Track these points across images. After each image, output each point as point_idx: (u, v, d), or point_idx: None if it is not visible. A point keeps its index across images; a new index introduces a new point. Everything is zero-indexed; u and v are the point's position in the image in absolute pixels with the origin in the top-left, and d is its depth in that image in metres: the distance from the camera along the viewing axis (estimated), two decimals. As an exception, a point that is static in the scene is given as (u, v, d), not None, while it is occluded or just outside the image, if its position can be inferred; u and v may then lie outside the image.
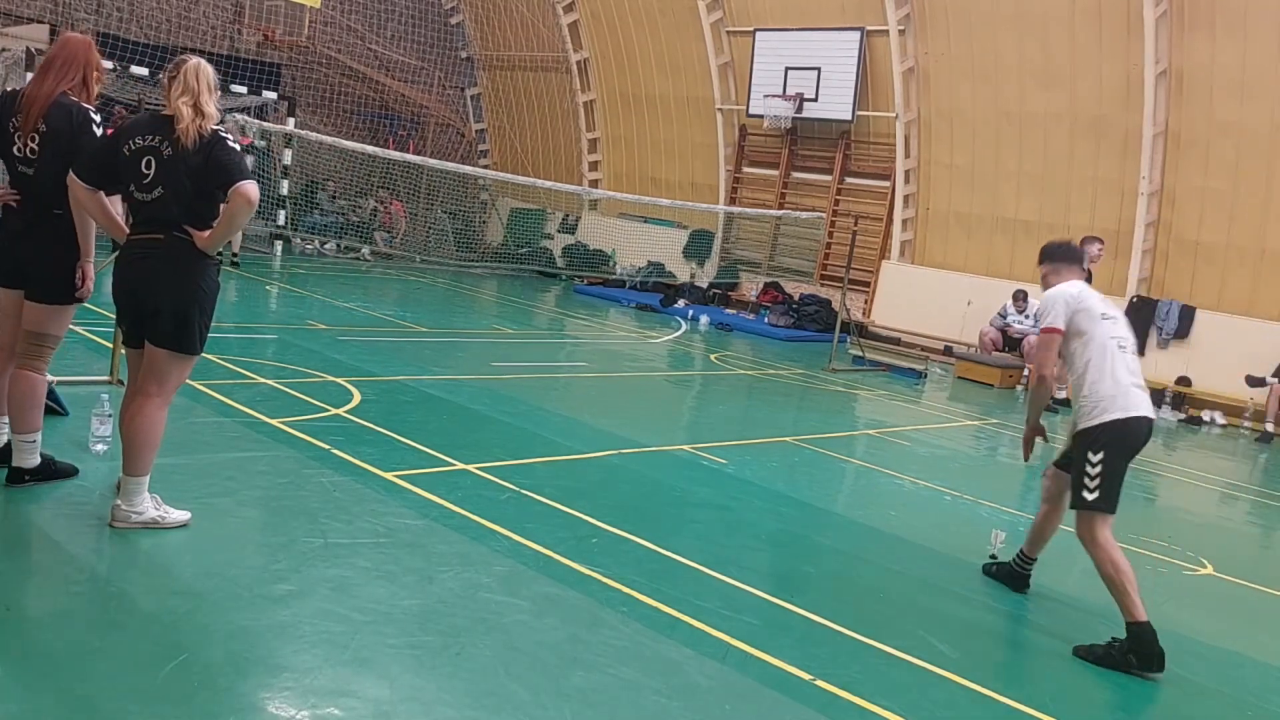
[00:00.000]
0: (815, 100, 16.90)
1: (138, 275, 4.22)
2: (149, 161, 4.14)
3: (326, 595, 3.88)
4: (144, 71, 15.62)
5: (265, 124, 15.70)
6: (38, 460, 4.64)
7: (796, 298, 17.47)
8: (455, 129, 22.46)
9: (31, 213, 4.54)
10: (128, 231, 4.31)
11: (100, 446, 5.16)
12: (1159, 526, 7.34)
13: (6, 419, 4.81)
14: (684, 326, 15.43)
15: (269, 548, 4.31)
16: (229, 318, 9.72)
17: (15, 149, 4.51)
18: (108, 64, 15.49)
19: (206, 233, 4.19)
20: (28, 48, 15.32)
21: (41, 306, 4.56)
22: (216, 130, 4.16)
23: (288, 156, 16.61)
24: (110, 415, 5.18)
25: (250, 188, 4.07)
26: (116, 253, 4.40)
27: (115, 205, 4.42)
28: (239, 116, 13.77)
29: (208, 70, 4.22)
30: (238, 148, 4.20)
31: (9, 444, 4.75)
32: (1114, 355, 4.72)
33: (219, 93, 4.29)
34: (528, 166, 21.83)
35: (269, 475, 5.24)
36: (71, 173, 4.31)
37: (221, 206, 4.20)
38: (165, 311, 4.17)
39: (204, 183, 4.13)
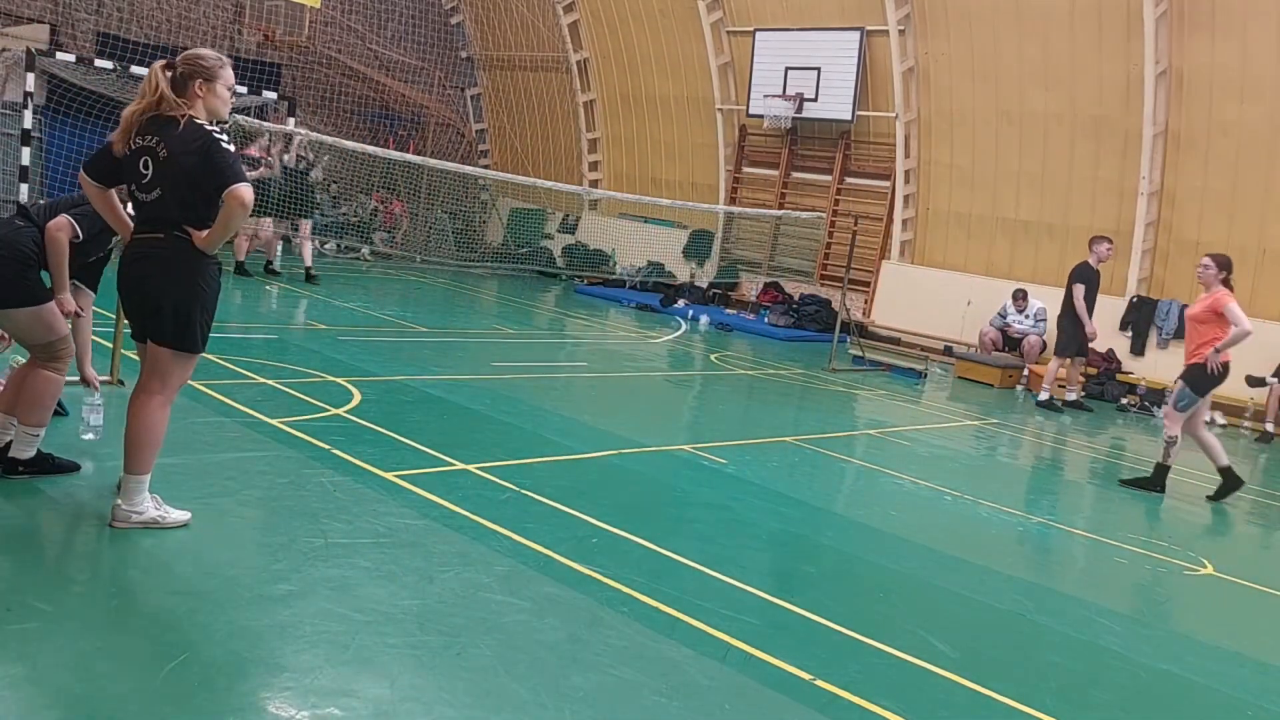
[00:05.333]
0: (815, 100, 16.88)
1: (139, 274, 4.24)
2: (146, 161, 4.16)
3: (327, 595, 3.88)
4: (144, 71, 15.60)
5: (265, 124, 15.69)
6: (33, 454, 4.67)
7: (796, 298, 17.47)
8: (455, 129, 22.45)
9: None
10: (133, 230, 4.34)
11: (89, 435, 5.14)
12: (1159, 526, 7.34)
13: (14, 418, 4.82)
14: (684, 326, 15.43)
15: (269, 548, 4.32)
16: (229, 318, 9.72)
17: None
18: (107, 64, 15.51)
19: (205, 233, 4.20)
20: (28, 48, 15.32)
21: (5, 313, 4.61)
22: (211, 131, 4.16)
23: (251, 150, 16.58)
24: (100, 405, 5.17)
25: (243, 190, 4.08)
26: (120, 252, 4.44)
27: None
28: (255, 123, 13.86)
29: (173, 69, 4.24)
30: (232, 149, 4.19)
31: (8, 444, 4.76)
32: None
33: (214, 84, 4.27)
34: (528, 166, 21.83)
35: (269, 475, 5.24)
36: (82, 170, 4.35)
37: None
38: (166, 310, 4.19)
39: (200, 184, 4.14)
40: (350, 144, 14.68)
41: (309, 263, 13.82)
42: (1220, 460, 8.16)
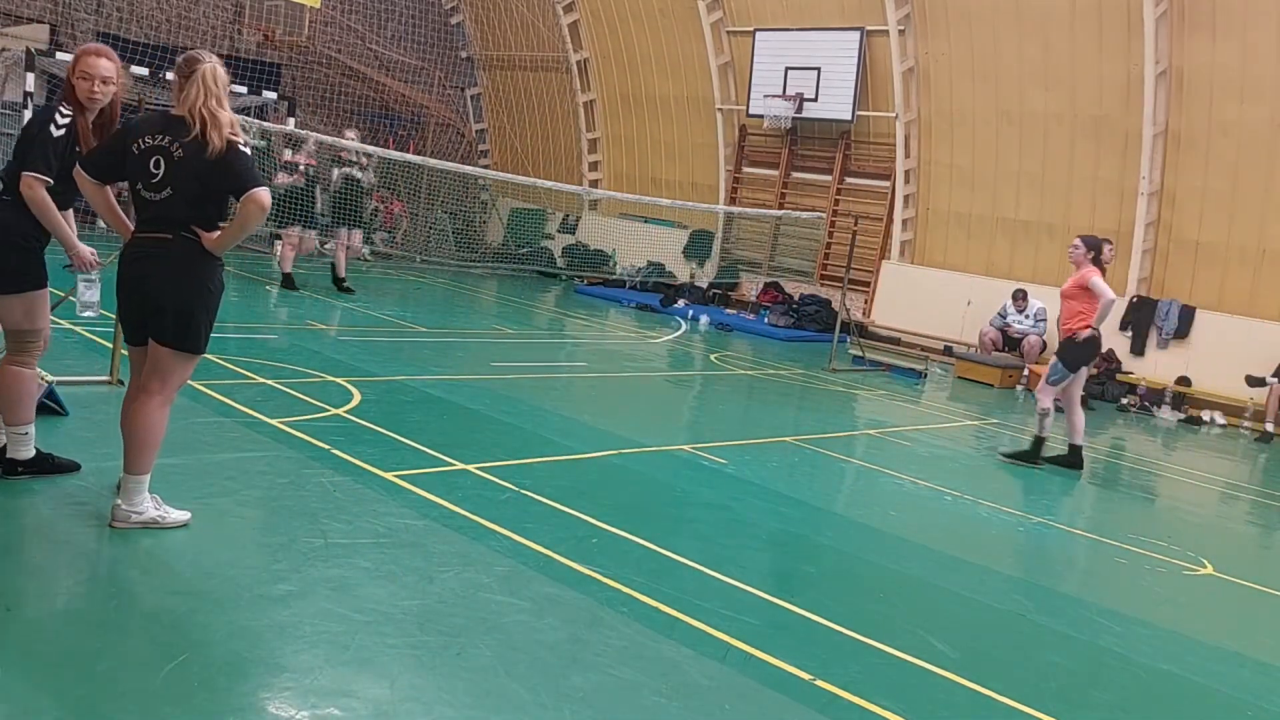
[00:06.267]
0: (815, 100, 16.89)
1: (143, 274, 4.22)
2: (158, 161, 4.14)
3: (327, 595, 3.88)
4: (144, 71, 15.60)
5: (265, 124, 15.70)
6: (32, 452, 4.65)
7: (796, 298, 17.47)
8: (455, 129, 22.46)
9: None
10: (132, 229, 4.32)
11: (89, 313, 4.99)
12: (1159, 526, 7.34)
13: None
14: (684, 326, 15.43)
15: (269, 548, 4.31)
16: (229, 318, 9.71)
17: None
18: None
19: (215, 234, 4.20)
20: (28, 48, 15.32)
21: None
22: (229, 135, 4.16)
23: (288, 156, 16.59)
24: (97, 281, 5.00)
25: (263, 195, 4.09)
26: (118, 251, 4.41)
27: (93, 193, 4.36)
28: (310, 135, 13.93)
29: (223, 75, 4.21)
30: (249, 152, 4.19)
31: (4, 446, 4.75)
32: None
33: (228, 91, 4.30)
34: (528, 166, 21.83)
35: (269, 475, 5.24)
36: (78, 165, 4.32)
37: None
38: (169, 310, 4.18)
39: (214, 185, 4.14)
40: (351, 144, 14.68)
41: (304, 259, 13.72)
42: (1075, 440, 8.45)
